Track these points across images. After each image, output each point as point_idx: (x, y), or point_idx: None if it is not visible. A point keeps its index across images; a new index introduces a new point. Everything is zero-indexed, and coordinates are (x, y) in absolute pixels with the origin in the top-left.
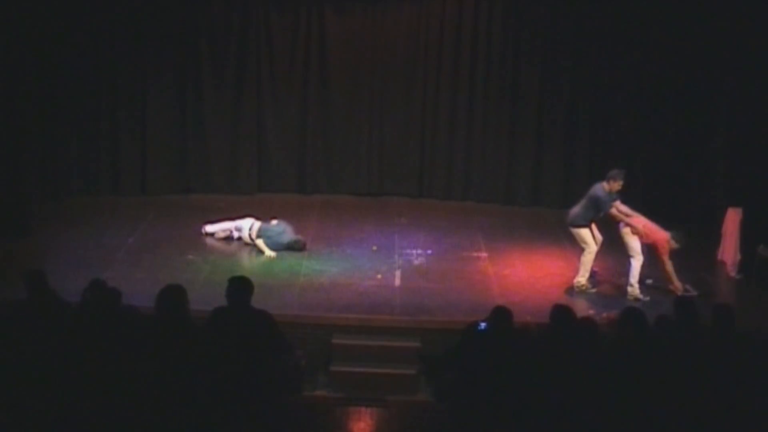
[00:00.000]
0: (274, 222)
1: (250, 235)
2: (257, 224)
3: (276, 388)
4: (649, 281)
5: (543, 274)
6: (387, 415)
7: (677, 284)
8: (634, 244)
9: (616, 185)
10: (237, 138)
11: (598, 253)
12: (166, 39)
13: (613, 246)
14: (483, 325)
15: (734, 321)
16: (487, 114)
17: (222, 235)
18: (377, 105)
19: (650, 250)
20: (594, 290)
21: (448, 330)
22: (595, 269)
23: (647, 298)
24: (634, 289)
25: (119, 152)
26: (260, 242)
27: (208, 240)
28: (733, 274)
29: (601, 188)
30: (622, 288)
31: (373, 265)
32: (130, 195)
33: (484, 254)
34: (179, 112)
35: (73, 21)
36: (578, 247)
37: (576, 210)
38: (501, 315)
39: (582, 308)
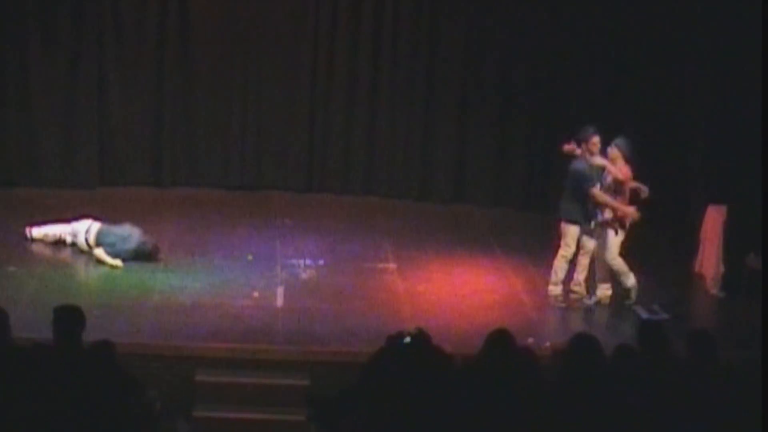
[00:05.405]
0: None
1: (86, 241)
2: (95, 227)
3: None
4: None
5: (468, 291)
6: None
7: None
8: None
9: (593, 146)
10: (72, 119)
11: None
12: None
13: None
14: (408, 338)
15: (715, 351)
16: (396, 87)
17: (52, 239)
18: (253, 77)
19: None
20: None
21: (345, 364)
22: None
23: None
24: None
25: None
26: (100, 252)
27: (35, 246)
28: (714, 290)
29: (582, 159)
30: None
31: (248, 280)
32: None
33: (392, 265)
34: None
35: None
36: (515, 256)
37: (566, 198)
38: (422, 337)
39: (519, 334)
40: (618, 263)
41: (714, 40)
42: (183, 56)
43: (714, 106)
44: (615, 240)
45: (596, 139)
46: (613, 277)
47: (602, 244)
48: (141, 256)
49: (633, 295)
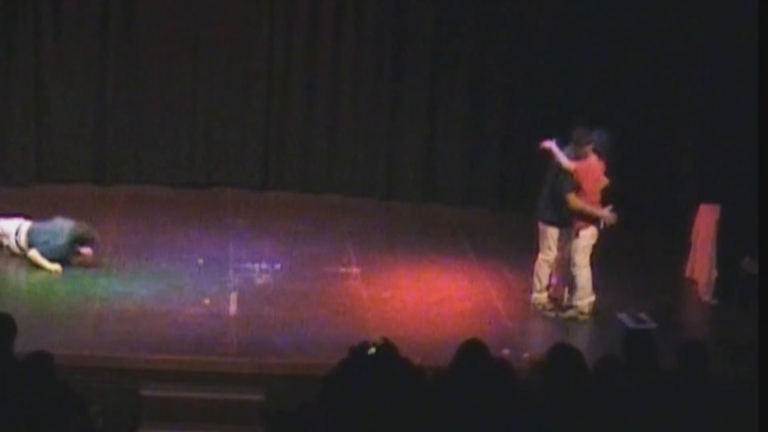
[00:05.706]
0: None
1: (17, 243)
2: (26, 226)
3: None
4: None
5: (438, 298)
6: None
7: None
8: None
9: (588, 150)
10: (6, 111)
11: None
12: None
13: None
14: (373, 350)
15: (707, 363)
16: (359, 75)
17: None
18: (204, 64)
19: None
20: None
21: (303, 377)
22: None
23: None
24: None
25: None
26: (34, 254)
27: None
28: (706, 297)
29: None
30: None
31: (198, 286)
32: None
33: (355, 270)
34: None
35: None
36: (490, 260)
37: (544, 198)
38: (388, 348)
39: (494, 345)
40: (579, 271)
41: (706, 36)
42: (127, 43)
43: (707, 99)
44: (579, 244)
45: (589, 149)
46: (595, 284)
47: (572, 248)
48: (77, 241)
49: (572, 313)
